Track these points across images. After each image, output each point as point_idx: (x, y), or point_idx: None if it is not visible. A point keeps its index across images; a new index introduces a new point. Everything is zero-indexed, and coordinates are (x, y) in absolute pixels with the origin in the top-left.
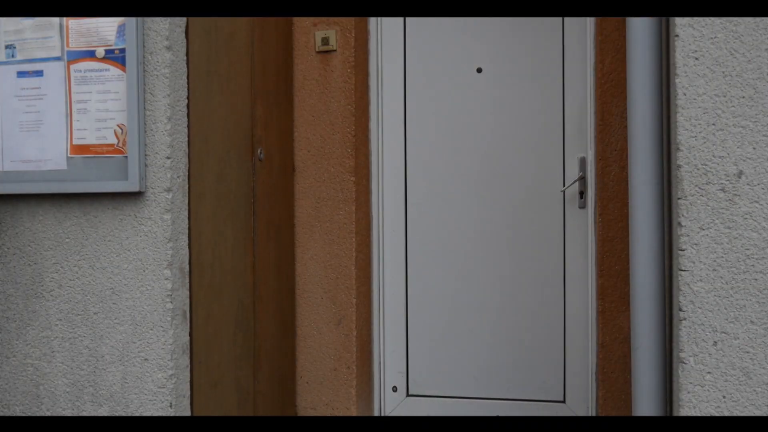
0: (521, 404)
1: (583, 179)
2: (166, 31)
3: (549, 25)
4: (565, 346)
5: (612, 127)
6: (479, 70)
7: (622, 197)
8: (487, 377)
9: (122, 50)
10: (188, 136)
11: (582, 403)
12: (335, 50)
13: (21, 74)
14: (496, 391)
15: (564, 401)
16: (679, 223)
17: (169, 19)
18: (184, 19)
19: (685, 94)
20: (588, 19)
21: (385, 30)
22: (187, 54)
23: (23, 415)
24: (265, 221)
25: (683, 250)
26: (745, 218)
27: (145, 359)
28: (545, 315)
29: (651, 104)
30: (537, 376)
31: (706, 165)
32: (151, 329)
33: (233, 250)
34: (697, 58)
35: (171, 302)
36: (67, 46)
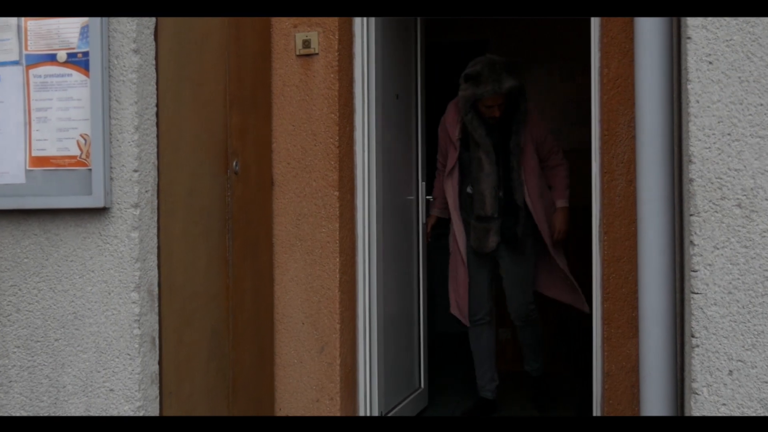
0: None
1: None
2: (133, 33)
3: None
4: None
5: (618, 138)
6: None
7: (630, 214)
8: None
9: (85, 54)
10: (157, 147)
11: None
12: (317, 54)
13: None
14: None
15: None
16: (692, 242)
17: (136, 19)
18: (153, 19)
19: (698, 102)
20: (592, 20)
21: (372, 32)
22: (156, 58)
23: None
24: (242, 240)
25: (696, 271)
26: (763, 236)
27: (111, 390)
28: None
29: (661, 112)
30: None
31: (720, 179)
32: (117, 357)
33: (206, 271)
34: (711, 63)
35: (139, 328)
36: (26, 49)
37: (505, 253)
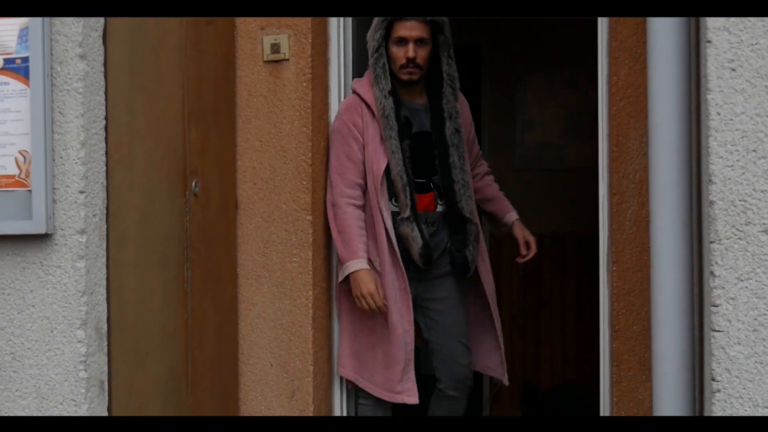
0: None
1: None
2: (79, 36)
3: None
4: None
5: (629, 155)
6: None
7: (642, 241)
8: None
9: (25, 59)
10: (106, 166)
11: None
12: (287, 59)
13: None
14: None
15: None
16: (712, 273)
17: (82, 20)
18: (102, 20)
19: (719, 114)
20: (600, 20)
21: (350, 34)
22: (106, 64)
23: None
24: (202, 270)
25: (717, 306)
26: None
27: None
28: None
29: (677, 126)
30: None
31: (745, 201)
32: (61, 403)
33: (162, 306)
34: (734, 69)
35: (85, 370)
36: None
37: (443, 287)
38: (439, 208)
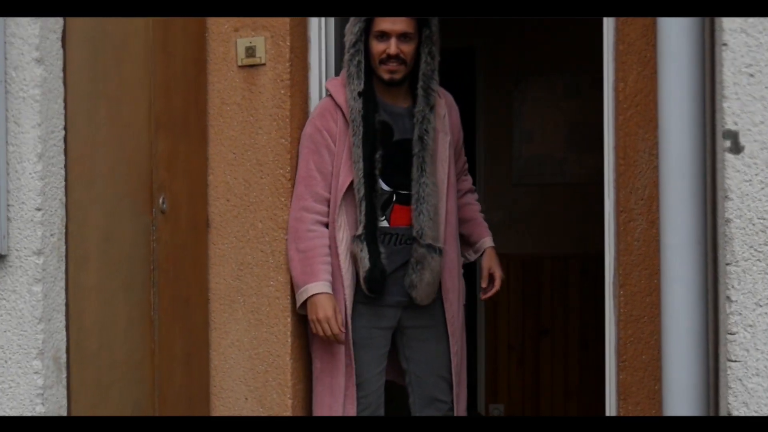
0: None
1: None
2: (35, 39)
3: None
4: None
5: (638, 168)
6: None
7: (652, 263)
8: None
9: None
10: (66, 181)
11: None
12: (264, 64)
13: None
14: None
15: None
16: (729, 298)
17: (40, 21)
18: (61, 21)
19: (736, 124)
20: (605, 21)
21: (332, 37)
22: (65, 69)
23: None
24: (170, 295)
25: (734, 334)
26: None
27: None
28: None
29: (690, 137)
30: None
31: (764, 219)
32: None
33: (126, 334)
34: (752, 75)
35: (42, 404)
36: None
37: (430, 314)
38: None
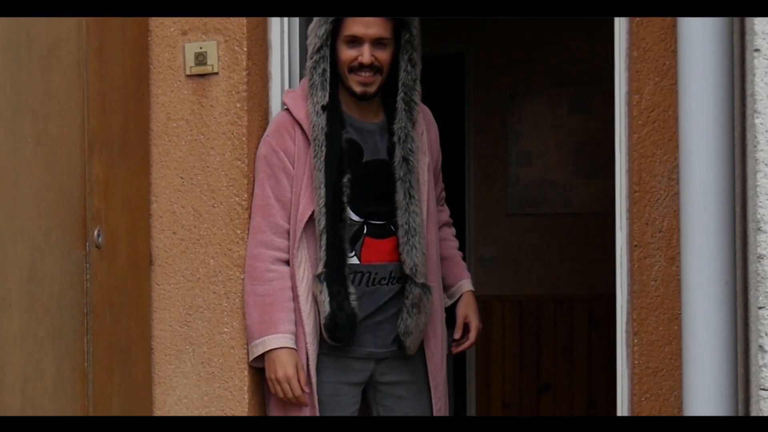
0: None
1: None
2: None
3: None
4: None
5: (655, 195)
6: None
7: (672, 306)
8: None
9: None
10: None
11: None
12: (217, 73)
13: None
14: None
15: None
16: (761, 347)
17: None
18: None
19: None
20: (617, 23)
21: (297, 41)
22: None
23: None
24: (106, 344)
25: (767, 390)
26: None
27: None
28: None
29: (716, 159)
30: None
31: None
32: None
33: (55, 390)
34: None
35: None
36: None
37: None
38: None
